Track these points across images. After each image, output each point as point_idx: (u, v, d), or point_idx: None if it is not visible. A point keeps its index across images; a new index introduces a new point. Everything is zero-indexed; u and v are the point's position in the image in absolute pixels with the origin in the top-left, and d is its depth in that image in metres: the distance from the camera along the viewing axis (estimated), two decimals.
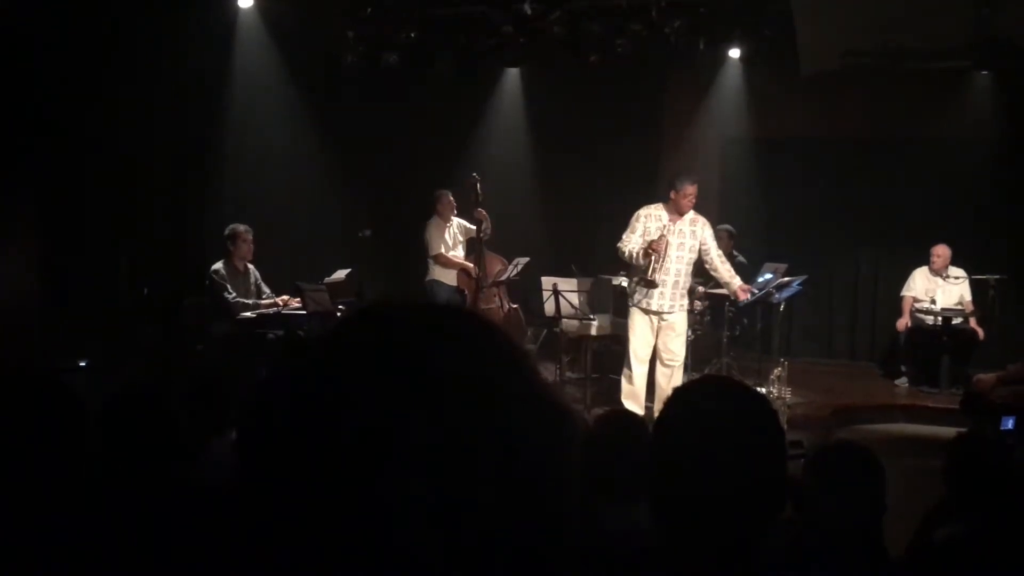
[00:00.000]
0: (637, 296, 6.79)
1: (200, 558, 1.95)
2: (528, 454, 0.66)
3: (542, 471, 0.67)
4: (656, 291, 6.71)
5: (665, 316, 6.80)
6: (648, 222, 6.75)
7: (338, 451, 0.62)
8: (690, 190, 6.68)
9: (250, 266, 7.66)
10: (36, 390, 2.11)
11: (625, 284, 8.04)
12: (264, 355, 6.93)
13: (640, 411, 6.46)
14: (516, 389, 0.68)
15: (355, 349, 0.67)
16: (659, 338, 6.84)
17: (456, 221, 8.80)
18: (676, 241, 6.70)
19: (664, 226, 6.68)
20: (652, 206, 6.85)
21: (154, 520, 2.17)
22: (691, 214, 6.78)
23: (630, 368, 6.88)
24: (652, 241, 6.60)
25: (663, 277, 6.68)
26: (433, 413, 0.63)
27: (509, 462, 0.65)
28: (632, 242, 6.72)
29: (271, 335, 7.35)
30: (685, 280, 6.84)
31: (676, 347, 6.87)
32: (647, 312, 6.78)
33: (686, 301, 7.00)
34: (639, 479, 2.30)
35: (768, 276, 8.01)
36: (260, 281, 7.73)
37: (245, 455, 0.68)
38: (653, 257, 6.60)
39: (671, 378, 6.79)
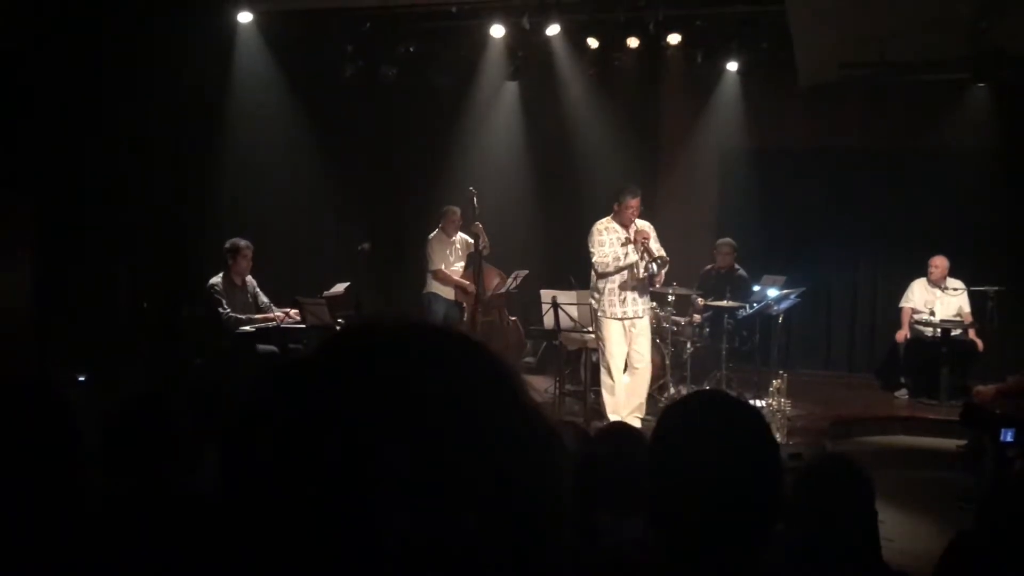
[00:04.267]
0: (611, 308, 7.03)
1: (196, 570, 1.94)
2: (515, 477, 0.65)
3: (530, 494, 0.66)
4: (630, 297, 7.00)
5: (636, 322, 7.07)
6: (610, 234, 7.05)
7: (322, 476, 0.61)
8: (632, 203, 6.97)
9: (248, 279, 7.65)
10: (29, 401, 2.10)
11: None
12: (262, 368, 6.91)
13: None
14: (503, 411, 0.68)
15: (340, 372, 0.67)
16: (630, 342, 7.09)
17: (459, 236, 8.82)
18: (638, 250, 6.97)
19: (627, 237, 6.99)
20: (605, 220, 7.14)
21: (151, 532, 2.16)
22: (638, 224, 7.04)
23: (612, 379, 7.06)
24: (637, 234, 6.88)
25: (634, 283, 7.00)
26: (417, 438, 0.63)
27: (495, 486, 0.64)
28: (608, 255, 6.99)
29: (270, 349, 7.34)
30: (644, 285, 7.13)
31: (645, 348, 7.15)
32: (623, 319, 7.03)
33: (649, 304, 7.33)
34: (640, 492, 2.30)
35: (757, 288, 8.07)
36: (258, 292, 7.72)
37: (228, 474, 0.67)
38: (640, 250, 6.88)
39: (643, 377, 7.10)
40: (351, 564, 0.60)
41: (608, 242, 7.03)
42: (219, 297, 7.40)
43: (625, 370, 7.10)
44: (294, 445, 0.63)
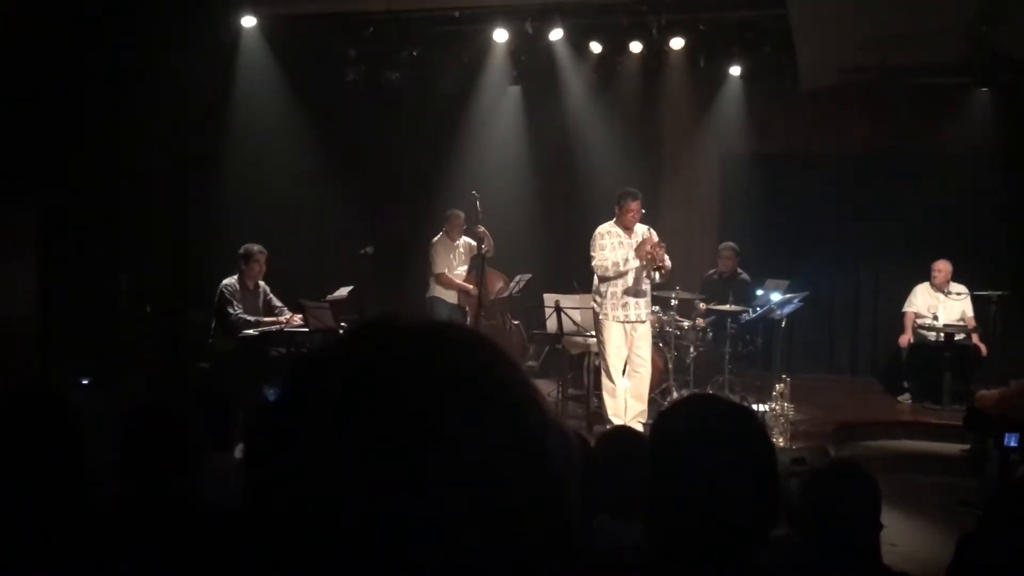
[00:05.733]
0: (613, 311, 7.06)
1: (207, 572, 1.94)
2: (548, 460, 0.67)
3: (559, 478, 0.67)
4: (632, 302, 7.03)
5: (637, 325, 7.11)
6: (611, 239, 7.09)
7: (362, 462, 0.62)
8: (633, 206, 7.03)
9: (261, 283, 7.70)
10: (34, 406, 2.11)
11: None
12: (267, 372, 6.93)
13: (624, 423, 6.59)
14: (530, 395, 0.69)
15: (370, 362, 0.67)
16: (630, 346, 7.12)
17: (463, 240, 8.84)
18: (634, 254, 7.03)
19: (635, 242, 7.03)
20: (607, 224, 7.18)
21: (156, 538, 2.17)
22: (640, 227, 7.09)
23: (613, 382, 7.10)
24: (654, 247, 6.90)
25: (643, 288, 7.06)
26: (458, 419, 0.64)
27: (534, 467, 0.65)
28: (608, 259, 7.02)
29: (274, 352, 7.35)
30: (647, 289, 7.18)
31: (645, 351, 7.19)
32: (624, 322, 7.07)
33: (651, 309, 7.39)
34: (641, 496, 2.30)
35: (760, 293, 8.08)
36: (272, 297, 7.76)
37: (253, 473, 0.68)
38: (647, 258, 6.91)
39: (644, 381, 7.13)
40: (383, 560, 0.61)
41: (609, 246, 7.07)
42: (230, 298, 7.44)
43: (625, 374, 7.11)
44: (328, 439, 0.63)
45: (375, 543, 0.61)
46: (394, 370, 0.66)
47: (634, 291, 7.05)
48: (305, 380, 0.68)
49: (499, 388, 0.68)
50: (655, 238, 7.08)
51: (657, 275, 7.00)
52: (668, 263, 7.02)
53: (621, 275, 7.00)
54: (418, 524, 0.61)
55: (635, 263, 6.97)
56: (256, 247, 7.61)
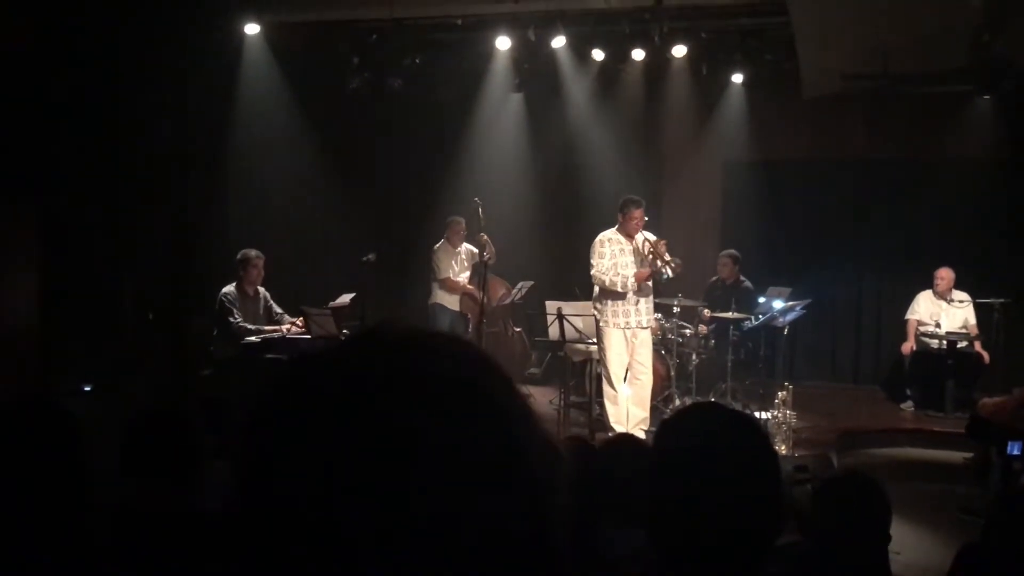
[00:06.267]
0: (613, 317, 7.05)
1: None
2: (531, 471, 0.67)
3: (543, 489, 0.67)
4: (633, 308, 7.03)
5: (638, 332, 7.09)
6: (612, 246, 7.07)
7: (342, 467, 0.62)
8: (636, 214, 7.00)
9: (261, 289, 7.67)
10: (34, 416, 2.11)
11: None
12: (269, 380, 6.92)
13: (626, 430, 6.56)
14: (517, 408, 0.69)
15: (359, 369, 0.67)
16: (632, 353, 7.10)
17: (464, 247, 8.85)
18: (637, 260, 7.03)
19: (639, 247, 7.04)
20: (609, 231, 7.16)
21: (157, 544, 2.17)
22: (642, 234, 7.08)
23: (615, 389, 7.08)
24: (655, 244, 6.91)
25: (639, 293, 7.05)
26: (443, 429, 0.64)
27: (516, 479, 0.65)
28: (608, 271, 7.00)
29: (276, 359, 7.35)
30: (648, 294, 7.16)
31: (647, 358, 7.17)
32: (625, 329, 7.05)
33: (653, 315, 7.36)
34: (644, 504, 2.30)
35: (762, 300, 8.08)
36: (272, 304, 7.74)
37: (241, 481, 0.68)
38: (652, 257, 6.92)
39: (646, 388, 7.11)
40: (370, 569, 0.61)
41: (609, 254, 7.06)
42: (230, 307, 7.42)
43: (627, 380, 7.10)
44: (318, 447, 0.63)
45: (356, 550, 0.61)
46: (376, 378, 0.66)
47: (639, 294, 7.03)
48: (289, 388, 0.69)
49: (483, 399, 0.68)
50: (652, 238, 7.08)
51: (668, 270, 6.95)
52: (669, 257, 7.00)
53: (615, 284, 6.96)
54: (396, 532, 0.61)
55: (633, 286, 6.98)
56: (253, 252, 7.58)
